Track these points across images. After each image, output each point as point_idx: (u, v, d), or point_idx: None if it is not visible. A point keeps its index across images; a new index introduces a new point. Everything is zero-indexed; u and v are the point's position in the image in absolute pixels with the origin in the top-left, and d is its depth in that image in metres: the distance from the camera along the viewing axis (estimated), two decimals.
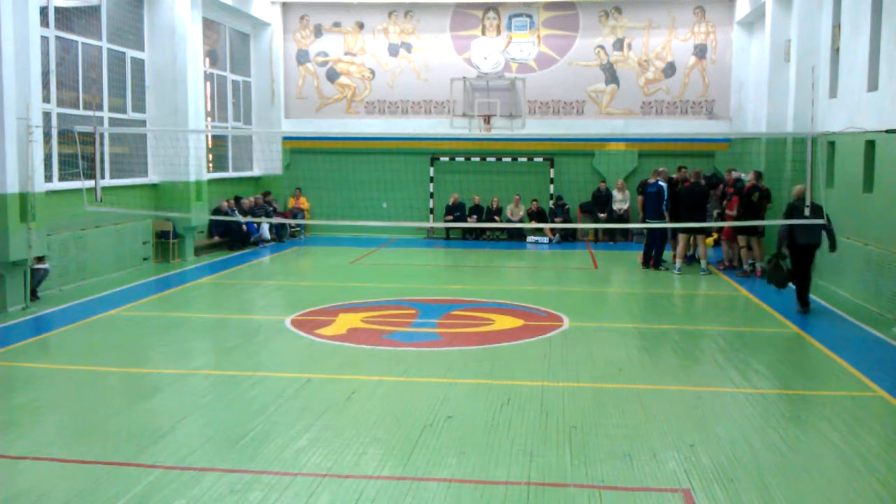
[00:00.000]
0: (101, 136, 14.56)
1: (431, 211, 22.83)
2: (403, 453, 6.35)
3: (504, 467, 6.09)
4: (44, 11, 13.41)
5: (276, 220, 20.11)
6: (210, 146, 19.86)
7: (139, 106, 16.76)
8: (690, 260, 16.46)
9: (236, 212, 19.46)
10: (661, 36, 22.36)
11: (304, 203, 22.73)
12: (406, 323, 11.27)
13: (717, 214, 16.63)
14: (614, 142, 22.18)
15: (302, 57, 23.33)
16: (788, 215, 12.23)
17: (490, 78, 22.75)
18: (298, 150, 23.07)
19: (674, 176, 16.73)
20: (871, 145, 12.74)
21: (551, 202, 22.18)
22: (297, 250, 19.79)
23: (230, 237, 19.15)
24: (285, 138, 22.74)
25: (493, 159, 22.70)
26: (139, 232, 16.06)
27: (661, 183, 15.99)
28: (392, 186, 22.17)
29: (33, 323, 11.23)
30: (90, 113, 14.48)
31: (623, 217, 21.07)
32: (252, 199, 20.65)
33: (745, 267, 15.53)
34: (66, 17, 14.32)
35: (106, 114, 15.49)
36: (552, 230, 21.24)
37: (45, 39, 13.41)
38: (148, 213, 16.15)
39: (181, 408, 7.50)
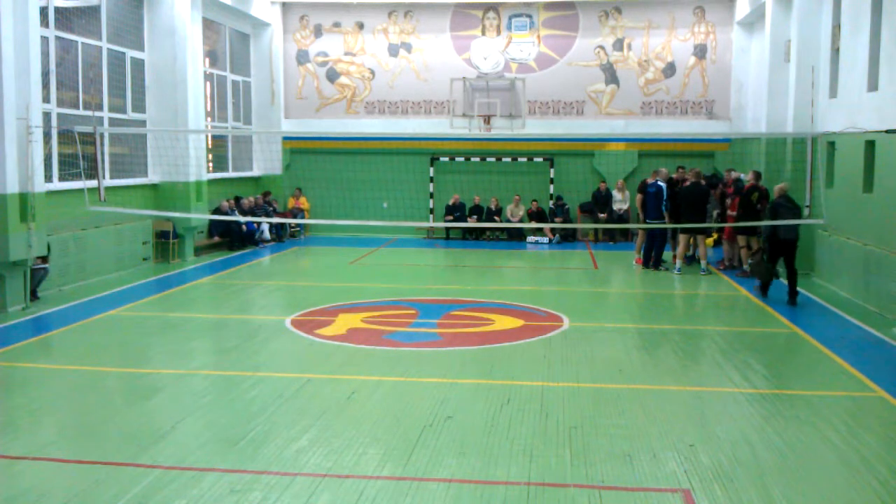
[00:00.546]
0: (101, 136, 14.56)
1: (431, 211, 22.83)
2: (403, 453, 6.35)
3: (504, 467, 6.09)
4: (44, 11, 13.41)
5: (276, 220, 20.11)
6: (210, 146, 19.86)
7: (139, 106, 16.76)
8: (690, 260, 16.47)
9: (236, 212, 19.46)
10: (660, 36, 22.36)
11: (304, 203, 22.73)
12: (406, 323, 11.27)
13: (717, 215, 16.64)
14: (614, 142, 22.18)
15: (302, 57, 23.33)
16: (773, 212, 12.85)
17: (490, 78, 22.75)
18: (298, 150, 23.08)
19: (673, 176, 16.73)
20: (871, 145, 12.75)
21: (551, 202, 22.18)
22: (297, 250, 19.79)
23: (230, 237, 19.15)
24: (285, 138, 22.75)
25: (493, 159, 22.70)
26: (139, 232, 16.06)
27: (660, 183, 15.99)
28: (392, 186, 22.18)
29: (33, 323, 11.23)
30: (90, 113, 14.48)
31: (623, 217, 21.07)
32: (252, 199, 20.66)
33: (745, 267, 15.51)
34: (66, 17, 14.32)
35: (106, 114, 15.50)
36: (552, 230, 21.24)
37: (45, 39, 13.42)
38: (148, 213, 16.16)
39: (181, 408, 7.50)
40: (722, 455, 6.35)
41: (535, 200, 21.94)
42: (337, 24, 23.21)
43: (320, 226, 22.70)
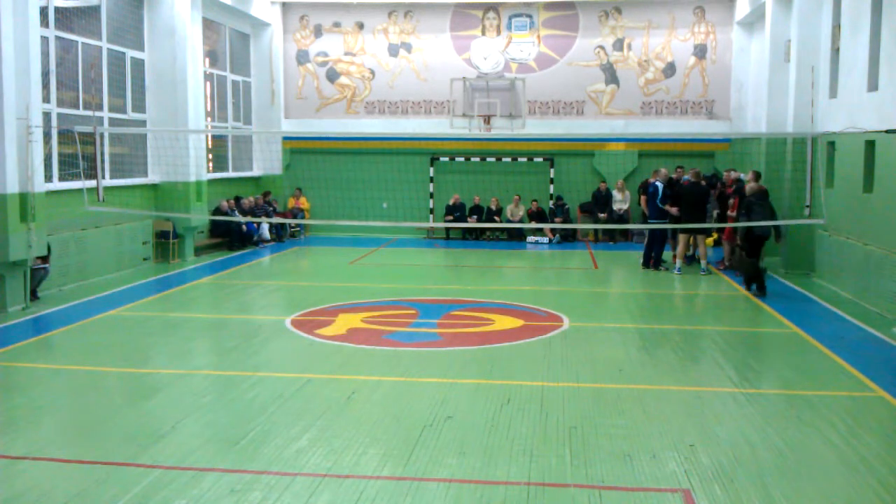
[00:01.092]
0: (101, 136, 14.56)
1: (431, 211, 22.83)
2: (403, 453, 6.35)
3: (504, 467, 6.09)
4: (44, 11, 13.41)
5: (276, 220, 20.12)
6: (210, 146, 19.86)
7: (139, 106, 16.76)
8: (690, 260, 16.47)
9: (236, 212, 19.46)
10: (660, 36, 22.36)
11: (304, 203, 22.74)
12: (406, 323, 11.27)
13: (717, 215, 16.63)
14: (614, 142, 22.18)
15: (302, 57, 23.33)
16: (748, 210, 13.76)
17: (490, 78, 22.75)
18: (298, 150, 23.08)
19: (672, 176, 16.74)
20: (871, 145, 12.74)
21: (551, 202, 22.18)
22: (297, 250, 19.79)
23: (230, 237, 19.15)
24: (285, 138, 22.75)
25: (493, 159, 22.70)
26: (139, 232, 16.06)
27: (657, 183, 16.00)
28: (392, 186, 22.18)
29: (33, 323, 11.23)
30: (90, 113, 14.48)
31: (623, 217, 21.08)
32: (252, 199, 20.66)
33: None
34: (66, 18, 14.32)
35: (106, 114, 15.49)
36: (552, 230, 21.24)
37: (45, 39, 13.42)
38: (148, 213, 16.16)
39: (181, 408, 7.50)
40: (722, 455, 6.35)
41: (535, 200, 21.94)
42: (337, 24, 23.21)
43: (320, 226, 22.71)
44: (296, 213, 22.30)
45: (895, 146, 11.76)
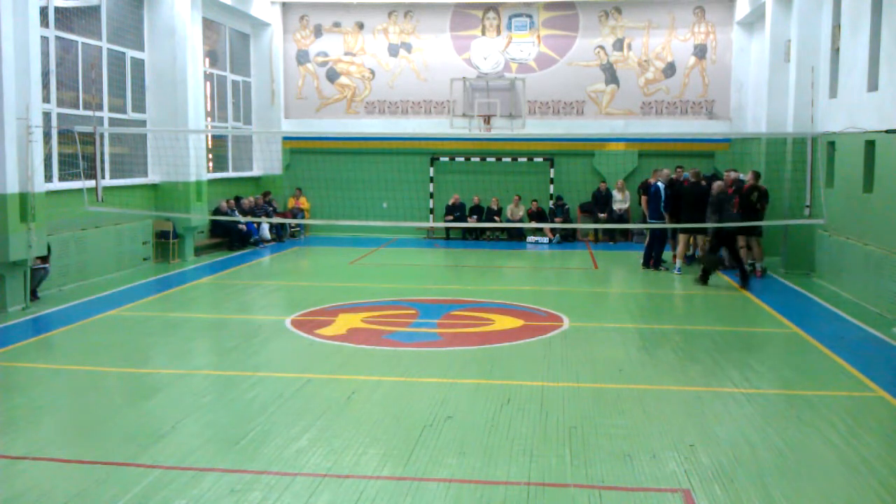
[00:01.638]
0: (101, 136, 14.56)
1: (431, 211, 22.83)
2: (403, 453, 6.35)
3: (504, 467, 6.09)
4: (44, 11, 13.41)
5: (276, 220, 20.12)
6: (210, 146, 19.86)
7: (139, 106, 16.76)
8: (690, 260, 16.46)
9: (236, 212, 19.46)
10: (660, 36, 22.36)
11: (304, 203, 22.73)
12: (406, 323, 11.27)
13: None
14: (614, 142, 22.18)
15: (302, 57, 23.33)
16: (718, 207, 14.36)
17: (490, 78, 22.75)
18: (298, 150, 23.08)
19: (673, 176, 16.73)
20: (871, 145, 12.74)
21: (551, 202, 22.18)
22: (297, 250, 19.79)
23: (230, 237, 19.15)
24: (285, 138, 22.75)
25: (493, 159, 22.70)
26: (139, 232, 16.06)
27: (658, 183, 15.99)
28: (392, 186, 22.19)
29: (33, 323, 11.23)
30: (90, 113, 14.48)
31: (623, 217, 21.08)
32: (252, 199, 20.65)
33: (745, 267, 15.49)
34: (66, 17, 14.32)
35: (106, 114, 15.49)
36: (552, 230, 21.24)
37: (45, 39, 13.41)
38: (148, 213, 16.15)
39: (181, 408, 7.50)
40: (722, 455, 6.35)
41: (535, 200, 21.94)
42: (337, 24, 23.21)
43: (320, 226, 22.71)
44: (296, 213, 22.30)
45: (895, 146, 11.76)
